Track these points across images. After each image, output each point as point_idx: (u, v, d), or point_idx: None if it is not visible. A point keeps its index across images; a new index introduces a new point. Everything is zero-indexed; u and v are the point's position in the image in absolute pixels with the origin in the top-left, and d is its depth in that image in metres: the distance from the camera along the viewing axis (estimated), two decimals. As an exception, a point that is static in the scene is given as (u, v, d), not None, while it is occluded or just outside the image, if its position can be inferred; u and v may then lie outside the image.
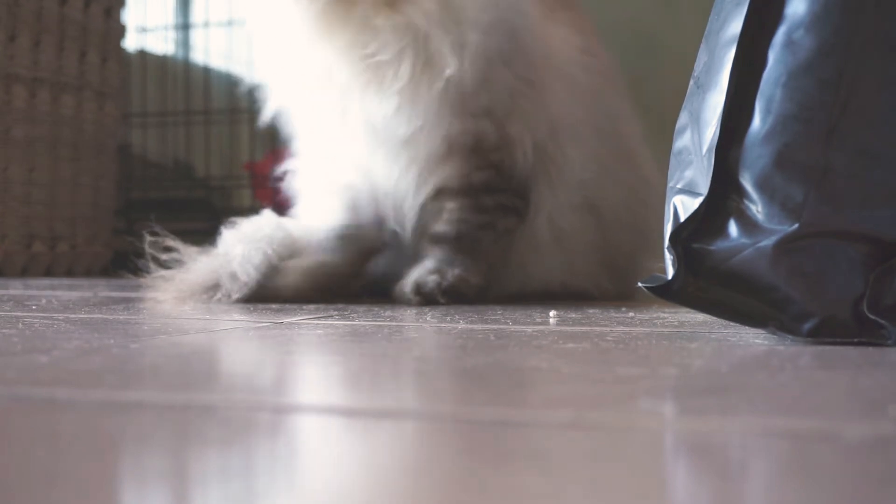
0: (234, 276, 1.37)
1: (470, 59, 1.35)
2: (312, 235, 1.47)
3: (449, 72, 1.33)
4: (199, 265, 1.40)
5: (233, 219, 1.48)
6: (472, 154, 1.41)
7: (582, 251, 1.49)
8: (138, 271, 1.42)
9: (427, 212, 1.44)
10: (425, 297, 1.35)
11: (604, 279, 1.53)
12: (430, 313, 1.21)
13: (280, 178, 1.60)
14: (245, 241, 1.41)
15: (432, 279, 1.37)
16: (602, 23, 2.70)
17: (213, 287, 1.37)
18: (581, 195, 1.47)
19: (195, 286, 1.37)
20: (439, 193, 1.42)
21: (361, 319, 1.13)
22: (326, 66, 1.37)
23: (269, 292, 1.40)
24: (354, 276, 1.44)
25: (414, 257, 1.45)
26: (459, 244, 1.41)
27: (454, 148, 1.40)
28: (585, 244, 1.49)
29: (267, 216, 1.49)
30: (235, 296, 1.35)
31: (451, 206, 1.42)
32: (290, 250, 1.43)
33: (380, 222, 1.46)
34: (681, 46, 2.77)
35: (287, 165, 1.58)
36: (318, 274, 1.40)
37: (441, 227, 1.42)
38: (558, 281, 1.50)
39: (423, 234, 1.44)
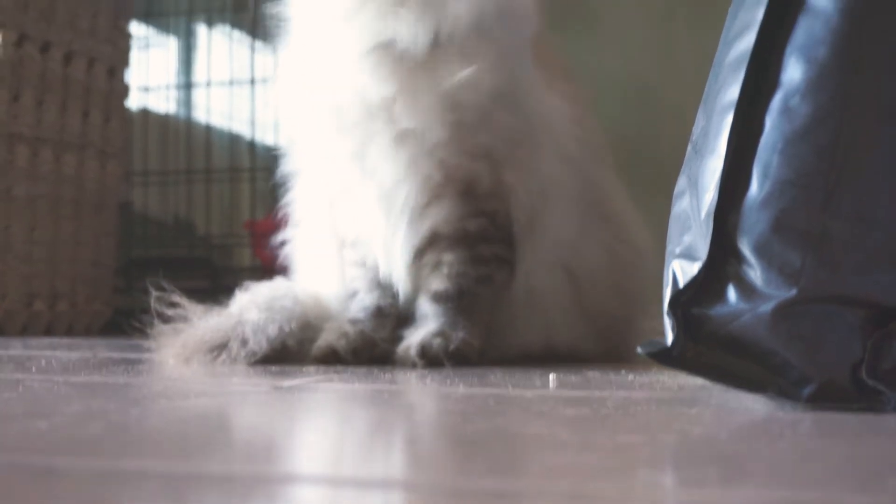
0: (244, 342, 1.37)
1: (472, 93, 1.36)
2: (331, 305, 1.48)
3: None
4: (206, 323, 1.41)
5: (246, 282, 1.48)
6: (464, 198, 1.40)
7: (557, 311, 1.48)
8: (140, 330, 1.42)
9: (424, 265, 1.43)
10: (430, 360, 1.35)
11: (589, 340, 1.52)
12: (429, 376, 1.21)
13: (282, 244, 1.61)
14: (261, 309, 1.42)
15: (437, 342, 1.36)
16: (600, 75, 2.74)
17: (219, 347, 1.37)
18: (555, 255, 1.47)
19: (201, 344, 1.37)
20: (434, 241, 1.41)
21: (361, 382, 1.13)
22: (339, 103, 1.37)
23: (293, 355, 1.41)
24: (392, 344, 1.43)
25: (410, 315, 1.45)
26: (461, 302, 1.40)
27: (448, 186, 1.39)
28: (560, 304, 1.48)
29: (282, 284, 1.50)
30: (241, 362, 1.35)
31: (449, 258, 1.41)
32: (304, 325, 1.44)
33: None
34: (679, 100, 2.80)
35: (288, 229, 1.58)
36: (358, 342, 1.41)
37: (441, 283, 1.41)
38: (539, 341, 1.49)
39: (422, 290, 1.43)
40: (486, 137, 1.38)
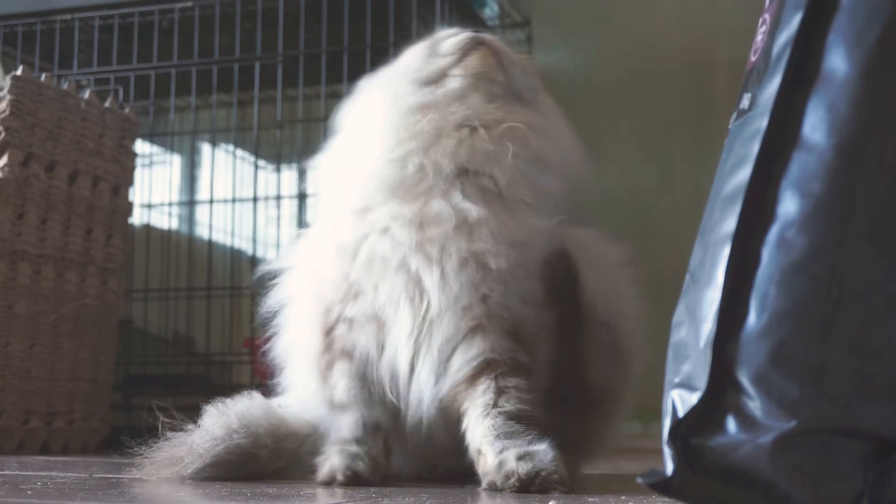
0: (192, 449, 1.40)
1: (539, 236, 1.39)
2: (310, 418, 1.48)
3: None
4: (174, 440, 1.43)
5: (220, 398, 1.50)
6: (510, 337, 1.39)
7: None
8: (137, 448, 1.44)
9: (477, 386, 1.39)
10: (521, 484, 1.28)
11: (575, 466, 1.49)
12: (428, 500, 1.20)
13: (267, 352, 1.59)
14: (214, 416, 1.44)
15: (529, 466, 1.29)
16: (599, 196, 2.77)
17: (178, 461, 1.40)
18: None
19: (166, 460, 1.41)
20: (488, 366, 1.39)
21: (359, 509, 1.12)
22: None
23: (266, 467, 1.43)
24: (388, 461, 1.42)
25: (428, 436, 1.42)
26: (533, 423, 1.35)
27: (493, 321, 1.38)
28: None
29: (256, 398, 1.51)
30: (189, 469, 1.38)
31: (513, 382, 1.38)
32: (276, 431, 1.46)
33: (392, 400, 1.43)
34: (676, 219, 2.85)
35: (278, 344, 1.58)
36: (361, 465, 1.39)
37: (513, 405, 1.36)
38: None
39: (489, 412, 1.36)
40: (535, 287, 1.40)
